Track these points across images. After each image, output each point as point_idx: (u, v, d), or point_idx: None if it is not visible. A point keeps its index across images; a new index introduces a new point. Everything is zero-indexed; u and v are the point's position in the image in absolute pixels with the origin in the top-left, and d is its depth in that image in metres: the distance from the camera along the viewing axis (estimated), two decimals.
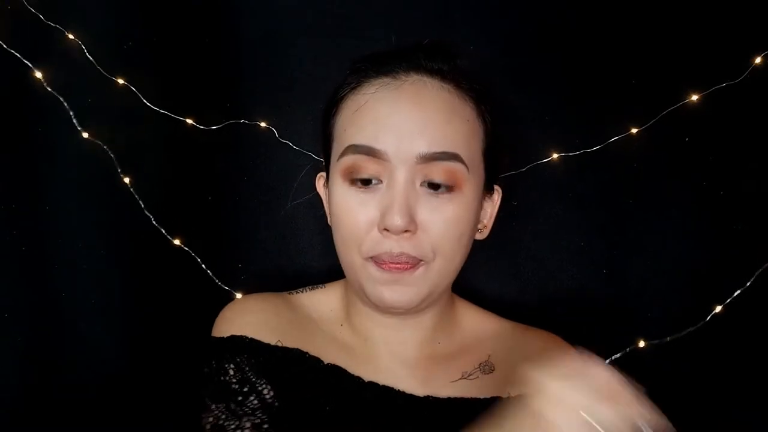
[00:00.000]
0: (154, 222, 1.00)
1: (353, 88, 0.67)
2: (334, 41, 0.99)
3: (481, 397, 0.70)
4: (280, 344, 0.70)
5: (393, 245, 0.62)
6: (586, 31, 0.96)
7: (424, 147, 0.62)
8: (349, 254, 0.66)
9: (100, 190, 1.02)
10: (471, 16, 0.98)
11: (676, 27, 0.94)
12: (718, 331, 0.96)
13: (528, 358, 0.71)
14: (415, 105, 0.63)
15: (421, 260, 0.64)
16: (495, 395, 0.69)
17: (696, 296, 0.97)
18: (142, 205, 1.00)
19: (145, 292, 1.04)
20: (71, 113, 0.99)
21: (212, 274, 1.02)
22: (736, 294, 0.95)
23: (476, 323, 0.77)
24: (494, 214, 0.73)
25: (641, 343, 0.97)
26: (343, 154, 0.65)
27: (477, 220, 0.69)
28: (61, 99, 0.99)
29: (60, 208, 1.02)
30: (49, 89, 0.98)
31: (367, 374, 0.70)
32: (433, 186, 0.63)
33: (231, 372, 0.67)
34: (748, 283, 0.95)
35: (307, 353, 0.70)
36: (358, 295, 0.70)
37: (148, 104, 1.00)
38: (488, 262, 1.00)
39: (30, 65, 0.98)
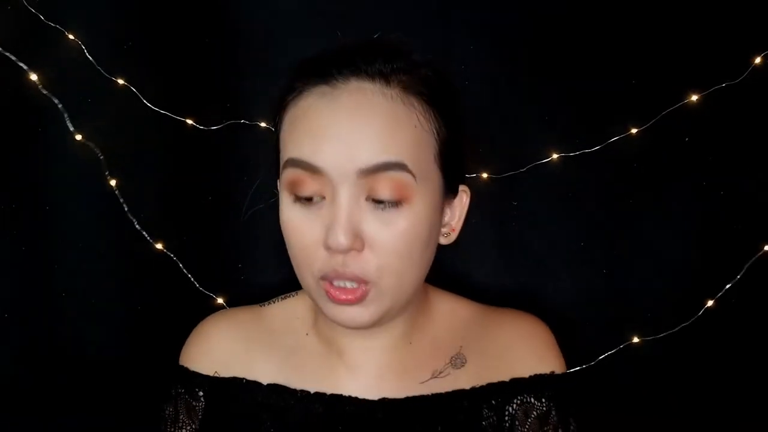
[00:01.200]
0: (136, 226, 1.01)
1: (295, 96, 0.62)
2: (334, 41, 0.98)
3: (442, 392, 0.68)
4: (217, 375, 0.72)
5: (340, 264, 0.59)
6: (586, 31, 0.96)
7: (364, 161, 0.57)
8: (301, 273, 0.63)
9: (96, 191, 1.02)
10: (470, 15, 0.98)
11: (676, 27, 0.94)
12: (711, 326, 0.97)
13: (500, 343, 0.71)
14: (353, 116, 0.58)
15: (368, 281, 0.60)
16: (459, 388, 0.68)
17: (690, 293, 0.98)
18: (126, 209, 1.01)
19: (140, 294, 1.04)
20: (65, 115, 0.99)
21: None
22: (726, 288, 0.96)
23: (448, 312, 0.74)
24: (463, 216, 0.69)
25: (635, 339, 0.98)
26: (284, 167, 0.61)
27: (434, 230, 0.64)
28: (56, 101, 0.99)
29: (59, 209, 1.03)
30: (44, 92, 0.98)
31: (332, 384, 0.69)
32: (378, 202, 0.59)
33: (170, 401, 0.74)
34: (738, 276, 0.96)
35: (244, 379, 0.71)
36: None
37: (148, 104, 1.00)
38: (488, 261, 1.01)
39: (25, 67, 0.98)
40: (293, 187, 0.60)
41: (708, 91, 0.94)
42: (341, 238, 0.57)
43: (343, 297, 0.60)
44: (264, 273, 1.03)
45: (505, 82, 0.98)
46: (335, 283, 0.60)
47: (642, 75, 0.96)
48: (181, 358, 0.75)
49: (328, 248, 0.59)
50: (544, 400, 0.68)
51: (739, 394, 0.99)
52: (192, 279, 1.02)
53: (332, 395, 0.68)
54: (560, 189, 0.99)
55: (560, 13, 0.97)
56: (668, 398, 1.00)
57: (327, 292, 0.61)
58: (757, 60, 0.93)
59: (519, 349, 0.70)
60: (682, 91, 0.95)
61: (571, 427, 0.68)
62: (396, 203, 0.59)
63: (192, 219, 1.03)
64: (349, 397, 0.68)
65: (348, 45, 0.64)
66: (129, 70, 1.00)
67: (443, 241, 0.68)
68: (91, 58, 0.99)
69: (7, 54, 0.97)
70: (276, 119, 0.66)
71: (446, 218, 0.67)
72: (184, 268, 1.02)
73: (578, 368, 0.98)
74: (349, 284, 0.60)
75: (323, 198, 0.60)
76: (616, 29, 0.96)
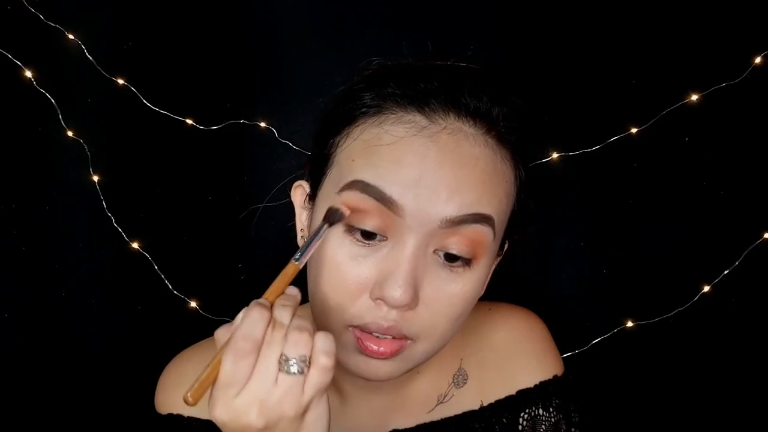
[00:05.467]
0: (114, 223, 1.01)
1: (375, 115, 0.54)
2: (334, 41, 0.99)
3: (451, 415, 0.65)
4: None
5: (383, 317, 0.52)
6: (586, 31, 0.96)
7: (453, 210, 0.51)
8: (328, 318, 0.54)
9: (92, 189, 1.02)
10: (470, 15, 0.98)
11: (676, 27, 0.94)
12: (706, 312, 0.98)
13: (498, 349, 0.68)
14: (451, 165, 0.51)
15: (408, 338, 0.54)
16: (468, 410, 0.65)
17: (687, 278, 0.99)
18: (105, 206, 1.01)
19: (138, 294, 1.04)
20: (59, 111, 0.99)
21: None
22: (724, 274, 0.97)
23: None
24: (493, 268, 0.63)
25: (629, 324, 0.98)
26: (345, 189, 0.52)
27: (482, 291, 0.59)
28: (50, 97, 0.99)
29: (59, 208, 1.03)
30: (40, 89, 0.98)
31: (337, 428, 0.62)
32: (450, 257, 0.52)
33: None
34: (737, 263, 0.96)
35: None
36: None
37: (148, 104, 1.00)
38: None
39: (21, 65, 0.98)
40: (351, 214, 0.52)
41: (708, 91, 0.94)
42: (399, 293, 0.50)
43: (379, 350, 0.52)
44: (264, 273, 1.02)
45: (505, 82, 0.98)
46: (374, 333, 0.53)
47: (642, 75, 0.96)
48: (160, 400, 0.66)
49: (379, 299, 0.51)
50: (551, 409, 0.67)
51: (732, 379, 0.99)
52: (165, 280, 1.02)
53: None
54: (560, 189, 0.99)
55: (561, 13, 0.97)
56: (661, 383, 1.00)
57: (358, 341, 0.53)
58: (757, 60, 0.93)
59: (517, 354, 0.68)
60: (682, 91, 0.95)
61: (574, 419, 0.68)
62: (467, 261, 0.53)
63: (191, 219, 1.03)
64: None
65: (446, 70, 0.57)
66: (129, 70, 1.00)
67: None
68: (91, 58, 0.99)
69: (2, 51, 0.98)
70: (333, 128, 0.57)
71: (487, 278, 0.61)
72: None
73: (570, 353, 0.98)
74: (383, 336, 0.53)
75: (385, 238, 0.52)
76: (616, 29, 0.96)
